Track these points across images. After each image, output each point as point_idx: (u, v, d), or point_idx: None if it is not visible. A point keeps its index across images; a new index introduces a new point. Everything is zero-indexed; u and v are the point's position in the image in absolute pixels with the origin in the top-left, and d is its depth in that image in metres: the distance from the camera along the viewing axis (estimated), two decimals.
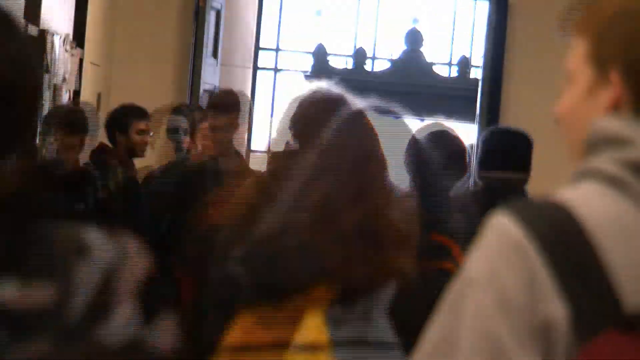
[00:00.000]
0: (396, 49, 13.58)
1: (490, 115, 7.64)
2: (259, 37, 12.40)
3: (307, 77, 12.94)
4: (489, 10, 7.96)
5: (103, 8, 7.83)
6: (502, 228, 1.14)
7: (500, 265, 1.11)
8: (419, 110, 12.88)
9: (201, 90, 8.27)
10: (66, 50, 6.77)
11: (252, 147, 9.11)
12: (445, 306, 1.15)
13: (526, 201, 1.19)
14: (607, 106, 1.21)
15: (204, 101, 7.52)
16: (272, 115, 12.46)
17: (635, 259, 1.11)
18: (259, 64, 12.61)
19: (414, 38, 13.49)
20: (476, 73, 13.08)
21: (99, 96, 7.94)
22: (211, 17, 8.47)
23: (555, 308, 1.08)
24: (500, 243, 1.13)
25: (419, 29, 13.63)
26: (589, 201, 1.14)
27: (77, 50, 7.15)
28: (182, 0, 8.26)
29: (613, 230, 1.11)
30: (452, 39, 13.59)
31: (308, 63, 13.19)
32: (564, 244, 1.10)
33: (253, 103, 12.16)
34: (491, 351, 1.09)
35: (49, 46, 6.39)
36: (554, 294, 1.09)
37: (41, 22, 6.34)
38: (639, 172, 1.14)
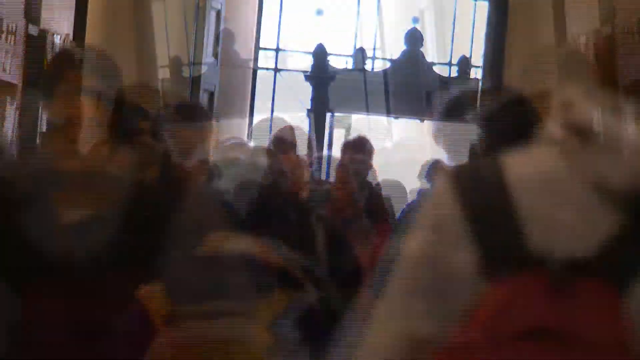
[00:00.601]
0: (396, 49, 13.58)
1: None
2: (259, 37, 12.41)
3: (307, 77, 12.93)
4: (488, 10, 7.97)
5: (103, 8, 7.83)
6: (439, 181, 1.31)
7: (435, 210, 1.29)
8: (419, 110, 12.91)
9: (201, 90, 8.28)
10: None
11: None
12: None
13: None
14: None
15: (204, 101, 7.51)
16: (272, 115, 12.49)
17: (544, 205, 1.22)
18: (259, 64, 12.61)
19: (414, 38, 13.48)
20: (476, 73, 13.08)
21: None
22: (211, 17, 8.48)
23: (464, 254, 1.22)
24: (433, 193, 1.30)
25: (419, 29, 13.63)
26: (521, 158, 1.27)
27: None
28: (182, 0, 8.27)
29: (531, 182, 1.23)
30: (452, 39, 13.58)
31: (308, 63, 13.18)
32: (481, 193, 1.23)
33: (253, 103, 12.16)
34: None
35: (49, 46, 6.39)
36: (465, 239, 1.21)
37: (41, 22, 6.34)
38: (575, 132, 1.27)
